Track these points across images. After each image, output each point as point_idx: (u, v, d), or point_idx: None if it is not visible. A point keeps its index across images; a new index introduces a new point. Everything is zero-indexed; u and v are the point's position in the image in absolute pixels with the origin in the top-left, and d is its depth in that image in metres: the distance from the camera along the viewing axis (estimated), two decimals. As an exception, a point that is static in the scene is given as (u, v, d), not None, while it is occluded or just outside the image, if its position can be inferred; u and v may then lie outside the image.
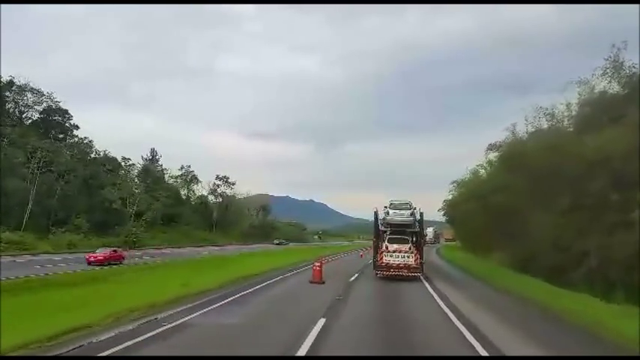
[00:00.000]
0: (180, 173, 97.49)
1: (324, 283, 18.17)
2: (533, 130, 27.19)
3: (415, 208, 23.30)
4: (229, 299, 13.49)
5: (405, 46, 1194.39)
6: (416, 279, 20.97)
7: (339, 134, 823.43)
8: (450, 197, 61.01)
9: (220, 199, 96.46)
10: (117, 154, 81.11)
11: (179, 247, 61.21)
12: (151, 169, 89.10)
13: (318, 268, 18.44)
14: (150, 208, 66.65)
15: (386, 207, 23.47)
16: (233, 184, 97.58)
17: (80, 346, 7.68)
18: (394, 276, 21.18)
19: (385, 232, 23.48)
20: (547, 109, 25.48)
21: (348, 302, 13.90)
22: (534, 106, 26.20)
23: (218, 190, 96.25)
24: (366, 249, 65.78)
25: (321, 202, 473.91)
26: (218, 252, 50.36)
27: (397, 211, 22.90)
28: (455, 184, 50.30)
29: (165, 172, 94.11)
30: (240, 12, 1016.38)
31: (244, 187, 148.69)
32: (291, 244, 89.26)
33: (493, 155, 30.65)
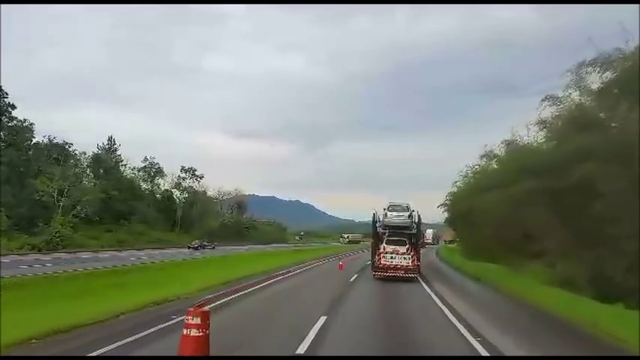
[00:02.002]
0: (143, 165, 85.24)
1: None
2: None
3: (413, 211, 23.56)
4: None
5: (394, 47, 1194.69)
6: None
7: (326, 134, 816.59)
8: (455, 190, 50.05)
9: (186, 195, 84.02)
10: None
11: (101, 251, 47.88)
12: (104, 158, 76.47)
13: (194, 337, 6.46)
14: (80, 201, 54.15)
15: (385, 209, 23.56)
16: (201, 177, 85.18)
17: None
18: (392, 277, 21.43)
19: (384, 233, 23.50)
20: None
21: None
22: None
23: (183, 184, 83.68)
24: (349, 254, 53.39)
25: (308, 202, 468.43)
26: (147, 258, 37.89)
27: (395, 213, 23.10)
28: (483, 160, 36.29)
29: (123, 163, 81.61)
30: (229, 11, 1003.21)
31: (216, 183, 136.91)
32: (252, 247, 71.58)
33: (551, 111, 18.92)
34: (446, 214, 58.62)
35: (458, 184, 48.69)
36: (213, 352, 6.69)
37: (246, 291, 16.30)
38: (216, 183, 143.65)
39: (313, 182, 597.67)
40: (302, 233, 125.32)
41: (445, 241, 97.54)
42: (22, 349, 7.75)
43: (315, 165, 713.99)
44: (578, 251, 17.39)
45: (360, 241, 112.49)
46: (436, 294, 17.41)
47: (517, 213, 22.81)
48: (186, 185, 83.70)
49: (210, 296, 12.40)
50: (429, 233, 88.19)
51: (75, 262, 30.31)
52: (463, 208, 43.61)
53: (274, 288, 18.40)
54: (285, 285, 19.76)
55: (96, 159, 75.35)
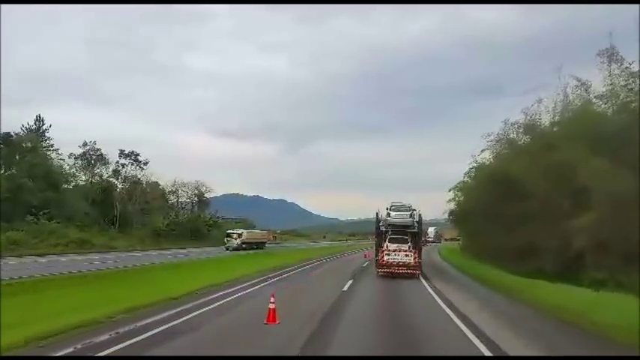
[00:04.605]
0: (82, 151, 69.18)
1: None
2: None
3: (415, 210, 24.79)
4: None
5: (377, 48, 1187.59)
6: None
7: (311, 134, 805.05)
8: (475, 165, 36.58)
9: (127, 185, 68.27)
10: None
11: None
12: (18, 141, 60.39)
13: None
14: None
15: (387, 209, 24.73)
16: (145, 163, 69.48)
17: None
18: (394, 274, 22.49)
19: (386, 232, 24.89)
20: None
21: None
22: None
23: (122, 171, 67.87)
24: (316, 264, 35.82)
25: (293, 201, 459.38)
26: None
27: (398, 212, 24.40)
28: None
29: (49, 147, 65.62)
30: (211, 10, 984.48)
31: (174, 174, 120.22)
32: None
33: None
34: (451, 205, 45.27)
35: (479, 157, 35.36)
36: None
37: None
38: (171, 173, 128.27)
39: (298, 181, 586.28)
40: (278, 232, 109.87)
41: (445, 240, 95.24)
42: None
43: (299, 164, 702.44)
44: None
45: (264, 241, 69.31)
46: None
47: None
48: (127, 174, 67.85)
49: None
50: (431, 231, 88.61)
51: None
52: (486, 192, 29.61)
53: None
54: None
55: (6, 141, 59.45)
